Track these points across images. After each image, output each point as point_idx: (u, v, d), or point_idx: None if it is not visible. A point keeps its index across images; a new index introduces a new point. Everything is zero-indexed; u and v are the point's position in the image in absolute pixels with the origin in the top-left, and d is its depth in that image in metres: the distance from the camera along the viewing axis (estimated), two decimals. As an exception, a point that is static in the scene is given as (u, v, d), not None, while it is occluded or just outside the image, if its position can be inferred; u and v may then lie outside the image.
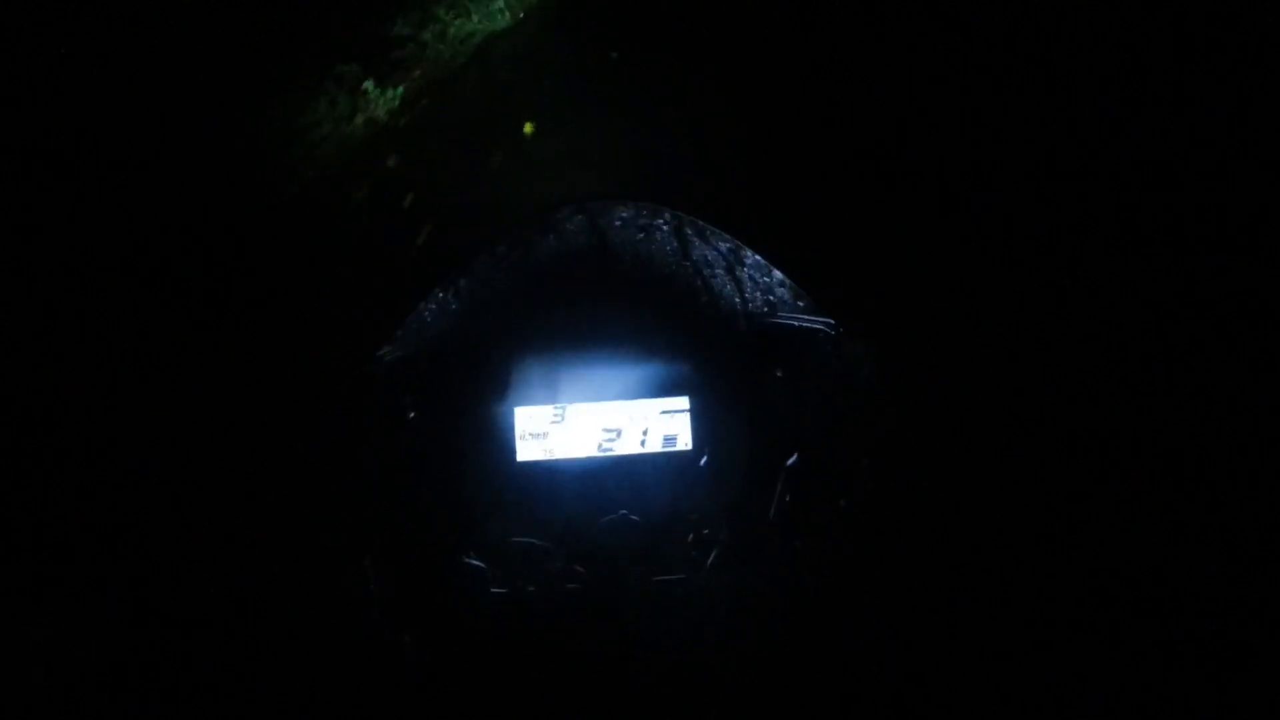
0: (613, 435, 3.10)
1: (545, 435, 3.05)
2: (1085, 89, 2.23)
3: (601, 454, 3.06)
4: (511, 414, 2.97)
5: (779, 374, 2.82)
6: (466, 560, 2.39)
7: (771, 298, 2.59)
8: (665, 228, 2.56)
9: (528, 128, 2.25)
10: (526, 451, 2.99)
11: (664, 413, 3.10)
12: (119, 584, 2.13)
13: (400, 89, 2.21)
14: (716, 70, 2.39)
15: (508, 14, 2.28)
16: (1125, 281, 2.19)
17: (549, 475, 2.93)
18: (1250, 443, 2.04)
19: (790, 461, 2.16)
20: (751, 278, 2.57)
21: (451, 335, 2.77)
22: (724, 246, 2.48)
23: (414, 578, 2.41)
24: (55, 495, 2.11)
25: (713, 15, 2.39)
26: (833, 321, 2.44)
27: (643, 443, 3.08)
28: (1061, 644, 1.99)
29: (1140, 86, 2.22)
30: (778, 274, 2.44)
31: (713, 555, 2.21)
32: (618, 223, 2.63)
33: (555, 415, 3.10)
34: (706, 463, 2.64)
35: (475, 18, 2.20)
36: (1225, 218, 2.15)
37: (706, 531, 2.23)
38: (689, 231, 2.50)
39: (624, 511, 2.50)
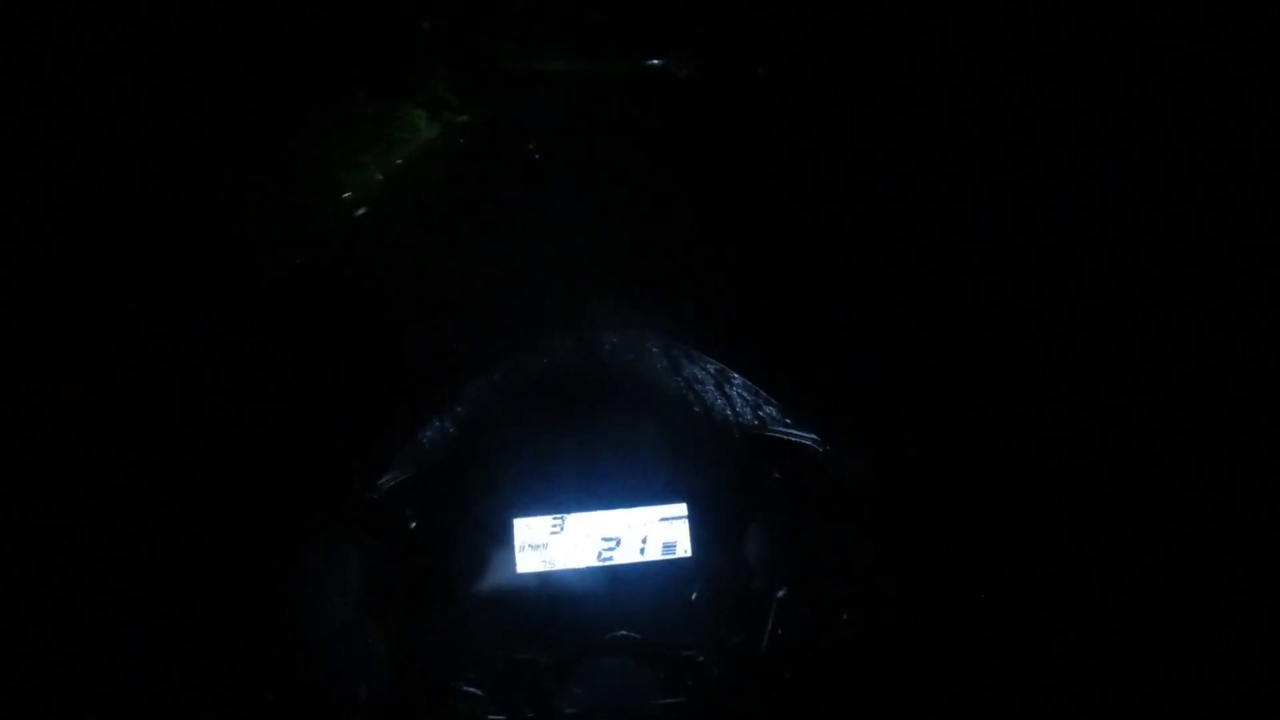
0: (612, 544, 3.10)
1: (545, 546, 3.08)
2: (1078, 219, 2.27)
3: (601, 563, 3.10)
4: (510, 526, 3.00)
5: (775, 476, 2.86)
6: (464, 688, 2.40)
7: (761, 413, 2.65)
8: (654, 350, 2.63)
9: None
10: (525, 563, 3.01)
11: (663, 520, 3.12)
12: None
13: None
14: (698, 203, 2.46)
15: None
16: (1117, 390, 2.21)
17: (548, 587, 2.94)
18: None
19: (780, 594, 2.19)
20: (740, 395, 2.63)
21: (450, 455, 2.83)
22: (712, 367, 2.55)
23: (412, 705, 2.42)
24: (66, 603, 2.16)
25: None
26: (818, 437, 2.49)
27: (642, 550, 3.07)
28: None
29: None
30: (764, 393, 2.50)
31: (707, 683, 2.21)
32: (608, 346, 2.71)
33: (554, 525, 3.12)
34: (697, 596, 2.67)
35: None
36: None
37: (701, 659, 2.25)
38: (676, 353, 2.58)
39: (624, 631, 2.51)
